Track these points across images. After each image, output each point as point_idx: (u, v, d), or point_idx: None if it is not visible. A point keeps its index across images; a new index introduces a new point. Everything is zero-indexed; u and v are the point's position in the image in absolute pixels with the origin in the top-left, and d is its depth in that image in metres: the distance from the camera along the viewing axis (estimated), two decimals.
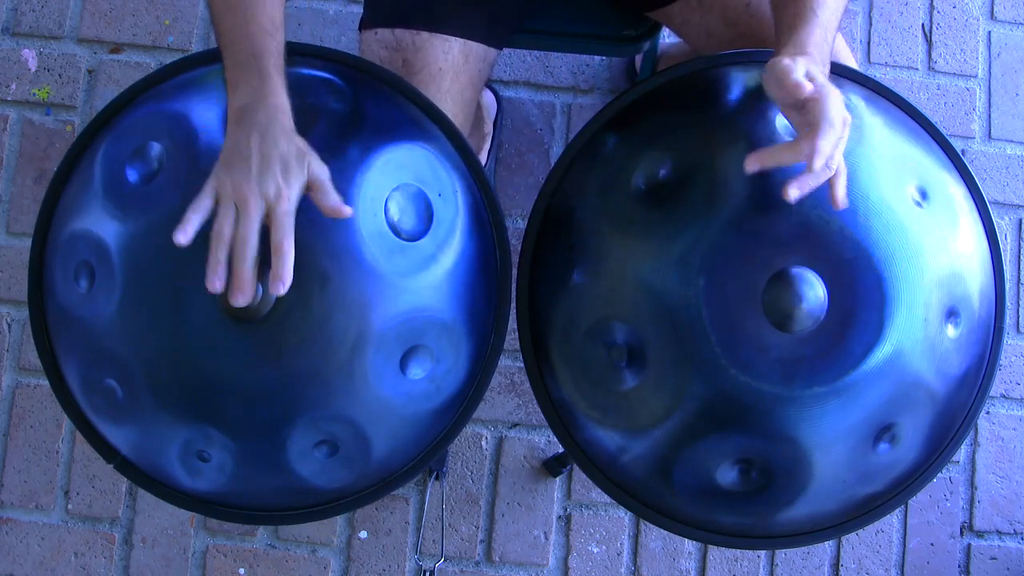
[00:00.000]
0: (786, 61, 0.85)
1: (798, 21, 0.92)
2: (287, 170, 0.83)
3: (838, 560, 1.66)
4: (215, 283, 0.80)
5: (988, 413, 1.72)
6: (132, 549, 1.65)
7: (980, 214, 1.01)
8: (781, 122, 0.94)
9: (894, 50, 1.84)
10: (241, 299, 0.80)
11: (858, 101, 0.98)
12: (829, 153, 0.83)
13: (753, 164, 0.85)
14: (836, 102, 0.84)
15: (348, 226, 0.87)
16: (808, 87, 0.83)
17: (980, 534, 1.68)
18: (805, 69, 0.85)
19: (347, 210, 0.84)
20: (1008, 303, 1.06)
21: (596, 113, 1.03)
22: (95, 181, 0.92)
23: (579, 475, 1.66)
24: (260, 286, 0.84)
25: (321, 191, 0.84)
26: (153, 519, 1.65)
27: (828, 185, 0.85)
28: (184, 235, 0.80)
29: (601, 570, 1.64)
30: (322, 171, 0.85)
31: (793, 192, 0.83)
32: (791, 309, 0.87)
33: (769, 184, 0.89)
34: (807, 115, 0.85)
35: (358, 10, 1.33)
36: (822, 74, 0.87)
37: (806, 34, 0.90)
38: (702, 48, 1.20)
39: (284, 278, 0.80)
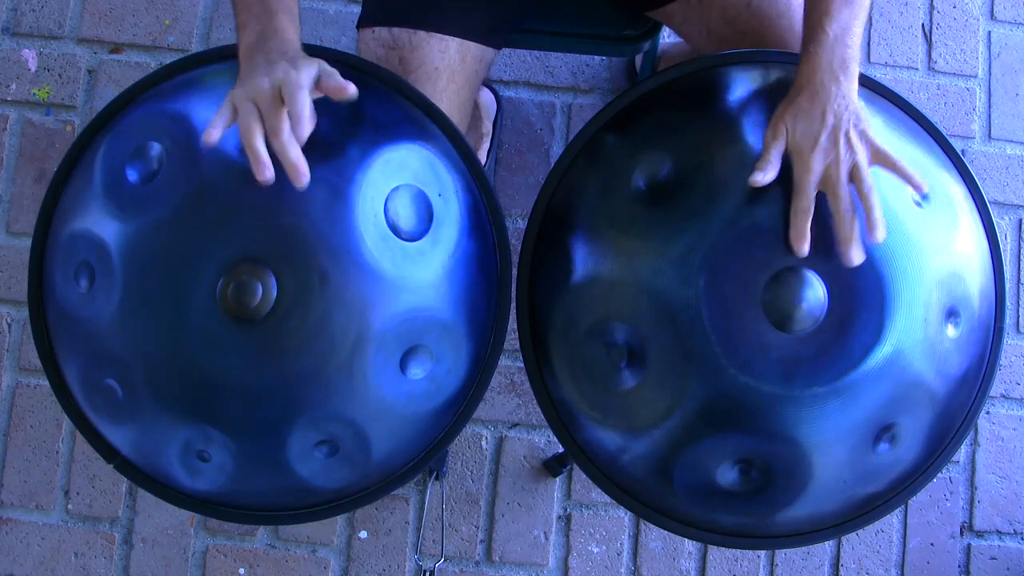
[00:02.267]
0: (766, 136, 0.89)
1: (807, 41, 0.92)
2: (294, 61, 0.87)
3: (838, 560, 1.66)
4: (265, 173, 0.83)
5: (988, 413, 1.72)
6: (132, 549, 1.65)
7: (980, 214, 1.01)
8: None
9: (894, 50, 1.84)
10: (303, 179, 0.83)
11: (858, 101, 0.98)
12: (805, 233, 0.86)
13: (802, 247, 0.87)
14: (807, 182, 0.87)
15: (348, 226, 0.87)
16: (763, 179, 0.87)
17: (980, 534, 1.68)
18: (782, 141, 0.88)
19: (352, 88, 0.86)
20: (1008, 303, 1.06)
21: (596, 113, 1.03)
22: (95, 181, 0.92)
23: (579, 475, 1.66)
24: (260, 286, 0.84)
25: (329, 76, 0.87)
26: (153, 519, 1.65)
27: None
28: (212, 134, 0.84)
29: (601, 570, 1.64)
30: (330, 67, 0.88)
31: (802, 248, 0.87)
32: (791, 309, 0.87)
33: (769, 184, 0.89)
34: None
35: (358, 10, 1.33)
36: (807, 129, 0.88)
37: (810, 55, 0.90)
38: (702, 48, 1.20)
39: (303, 136, 0.84)
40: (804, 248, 0.86)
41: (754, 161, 0.89)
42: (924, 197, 0.90)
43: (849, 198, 0.87)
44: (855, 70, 0.91)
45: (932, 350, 0.90)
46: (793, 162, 0.88)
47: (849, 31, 0.90)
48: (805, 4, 0.94)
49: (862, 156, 0.88)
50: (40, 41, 1.81)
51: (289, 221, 0.85)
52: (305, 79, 0.85)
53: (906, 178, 0.89)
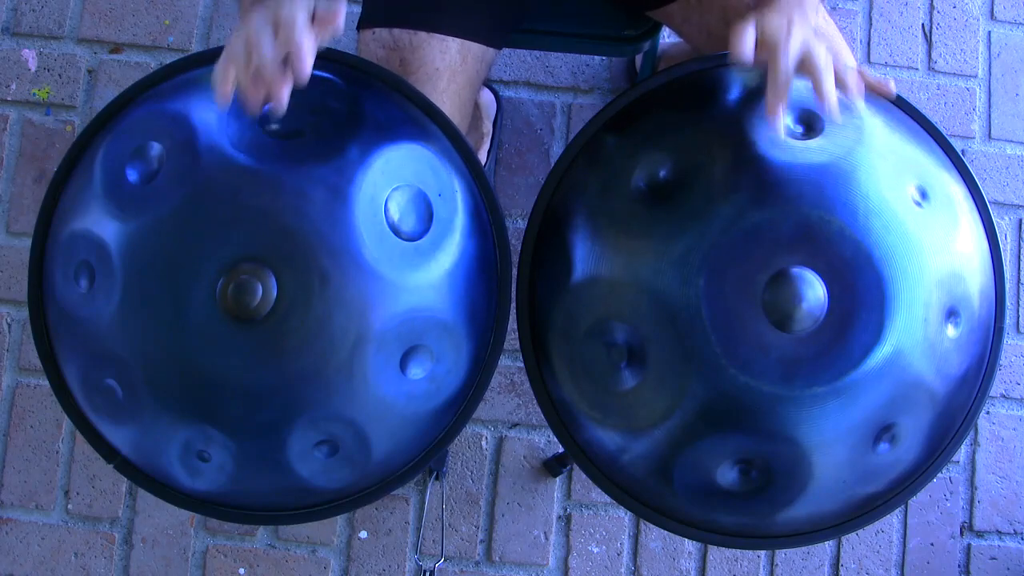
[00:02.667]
0: (737, 24, 0.89)
1: None
2: (292, 4, 0.85)
3: (838, 560, 1.66)
4: (221, 99, 0.84)
5: (988, 413, 1.72)
6: (132, 549, 1.65)
7: (980, 214, 1.01)
8: (782, 122, 0.94)
9: (894, 50, 1.84)
10: (285, 91, 0.83)
11: (858, 101, 0.98)
12: (779, 102, 0.87)
13: (774, 112, 0.87)
14: (785, 47, 0.87)
15: (348, 226, 0.87)
16: (745, 49, 0.87)
17: (980, 534, 1.68)
18: (751, 24, 0.88)
19: (339, 20, 0.85)
20: (1008, 303, 1.06)
21: (596, 113, 1.03)
22: (95, 181, 0.92)
23: (579, 475, 1.66)
24: (260, 286, 0.85)
25: (325, 6, 0.86)
26: (153, 519, 1.65)
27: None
28: (223, 93, 0.84)
29: (601, 570, 1.65)
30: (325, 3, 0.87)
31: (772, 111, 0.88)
32: (791, 309, 0.87)
33: (769, 184, 0.89)
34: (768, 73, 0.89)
35: (358, 10, 1.32)
36: (777, 21, 0.88)
37: None
38: (702, 48, 1.20)
39: (304, 64, 0.83)
40: (780, 117, 0.87)
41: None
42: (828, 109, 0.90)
43: (795, 55, 0.87)
44: (817, 2, 0.92)
45: (932, 350, 0.90)
46: (765, 49, 0.88)
47: None
48: None
49: (820, 41, 0.89)
50: (40, 41, 1.81)
51: (289, 221, 0.85)
52: (300, 7, 0.84)
53: (841, 82, 0.89)
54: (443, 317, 0.92)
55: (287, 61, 0.85)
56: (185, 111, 0.93)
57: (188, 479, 0.95)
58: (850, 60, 0.95)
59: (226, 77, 0.84)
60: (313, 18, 0.86)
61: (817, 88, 0.88)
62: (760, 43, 0.89)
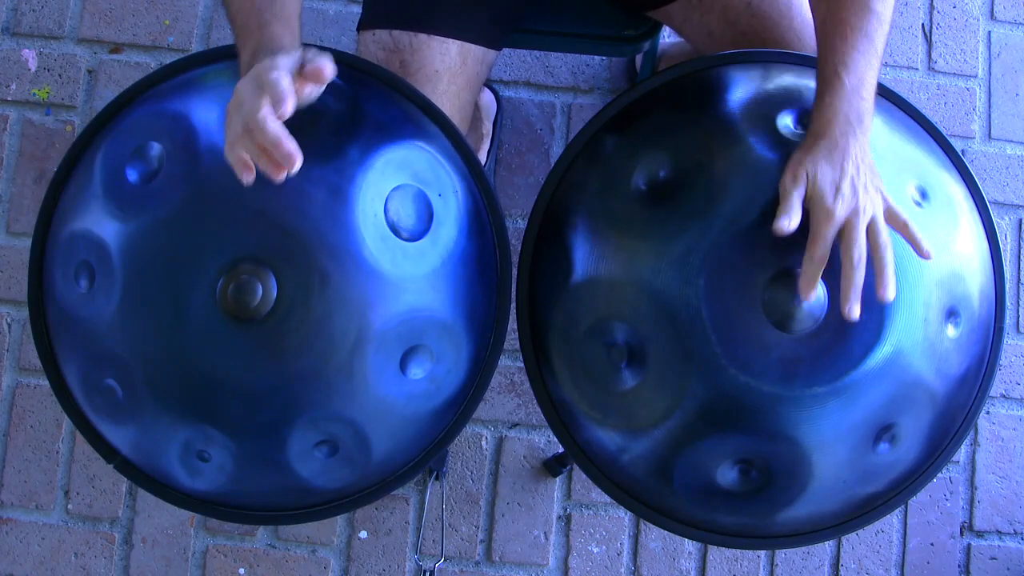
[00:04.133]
0: (786, 180, 0.86)
1: (821, 86, 0.90)
2: (275, 57, 0.82)
3: (838, 560, 1.66)
4: (244, 175, 0.80)
5: (988, 413, 1.72)
6: (132, 549, 1.65)
7: (980, 214, 1.01)
8: (782, 121, 0.94)
9: (894, 50, 1.84)
10: (291, 161, 0.78)
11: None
12: (814, 283, 0.84)
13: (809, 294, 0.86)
14: (821, 236, 0.85)
15: (348, 226, 0.87)
16: (788, 228, 0.84)
17: (980, 534, 1.68)
18: (802, 186, 0.86)
19: (328, 70, 0.81)
20: (1008, 303, 1.06)
21: (596, 113, 1.03)
22: (95, 181, 0.92)
23: (579, 475, 1.66)
24: (260, 286, 0.85)
25: (309, 61, 0.83)
26: (153, 519, 1.65)
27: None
28: (248, 176, 0.80)
29: (601, 570, 1.64)
30: (314, 53, 0.84)
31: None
32: (791, 309, 0.87)
33: (769, 184, 0.89)
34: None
35: (358, 10, 1.32)
36: (829, 181, 0.86)
37: (827, 105, 0.88)
38: (702, 48, 1.20)
39: (284, 111, 0.79)
40: (812, 296, 0.85)
41: (776, 209, 0.86)
42: (927, 258, 0.88)
43: (864, 250, 0.85)
44: (869, 123, 0.89)
45: (932, 350, 0.90)
46: (812, 210, 0.86)
47: (864, 82, 0.89)
48: (819, 50, 0.92)
49: (880, 210, 0.87)
50: (40, 41, 1.81)
51: (289, 221, 0.85)
52: (281, 62, 0.81)
53: (913, 241, 0.87)
54: (443, 317, 0.92)
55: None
56: (185, 111, 0.93)
57: (188, 479, 0.95)
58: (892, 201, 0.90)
59: (241, 160, 0.80)
60: (301, 70, 0.83)
61: (844, 280, 0.85)
62: (808, 198, 0.86)
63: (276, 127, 0.78)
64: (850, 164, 0.87)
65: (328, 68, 0.82)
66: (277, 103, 0.78)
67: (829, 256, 0.85)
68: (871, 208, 0.86)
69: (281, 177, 0.79)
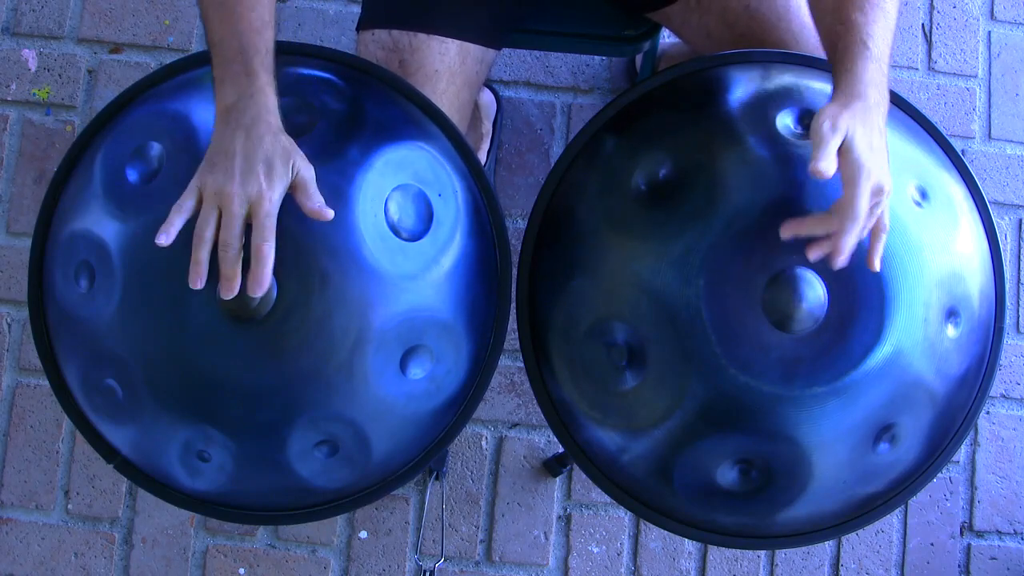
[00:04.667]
0: (824, 126, 0.84)
1: (849, 55, 0.89)
2: (271, 171, 0.82)
3: (838, 560, 1.66)
4: (196, 282, 0.81)
5: (988, 413, 1.72)
6: (132, 549, 1.65)
7: (980, 214, 1.01)
8: (782, 122, 0.94)
9: (894, 50, 1.84)
10: (229, 293, 0.81)
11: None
12: (852, 246, 0.83)
13: (787, 232, 0.85)
14: (864, 191, 0.83)
15: (348, 226, 0.87)
16: (830, 171, 0.82)
17: (980, 534, 1.68)
18: (841, 138, 0.83)
19: (329, 213, 0.83)
20: (1008, 303, 1.06)
21: (596, 113, 1.03)
22: (95, 181, 0.92)
23: (579, 475, 1.66)
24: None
25: (304, 192, 0.84)
26: (153, 519, 1.65)
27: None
28: (166, 237, 0.81)
29: (601, 570, 1.64)
30: (307, 171, 0.84)
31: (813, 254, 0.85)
32: (791, 309, 0.87)
33: (769, 185, 0.89)
34: (841, 193, 0.85)
35: (358, 10, 1.32)
36: (865, 141, 0.84)
37: (860, 70, 0.88)
38: (701, 50, 1.20)
39: (261, 282, 0.80)
40: (844, 263, 0.84)
41: (811, 153, 0.84)
42: (870, 268, 0.88)
43: (875, 220, 0.85)
44: (887, 102, 0.90)
45: (932, 350, 0.90)
46: (846, 166, 0.83)
47: (885, 56, 0.89)
48: (836, 28, 0.91)
49: (888, 196, 0.86)
50: (40, 41, 1.81)
51: (289, 221, 0.85)
52: (278, 195, 0.82)
53: (874, 248, 0.87)
54: (443, 317, 0.92)
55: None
56: (185, 111, 0.93)
57: (188, 479, 0.95)
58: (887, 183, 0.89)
59: (177, 221, 0.82)
60: (293, 187, 0.84)
61: (839, 233, 0.84)
62: (843, 151, 0.84)
63: (235, 266, 0.81)
64: (880, 134, 0.87)
65: (329, 214, 0.83)
66: (256, 261, 0.80)
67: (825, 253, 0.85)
68: (889, 186, 0.86)
69: (197, 287, 0.81)
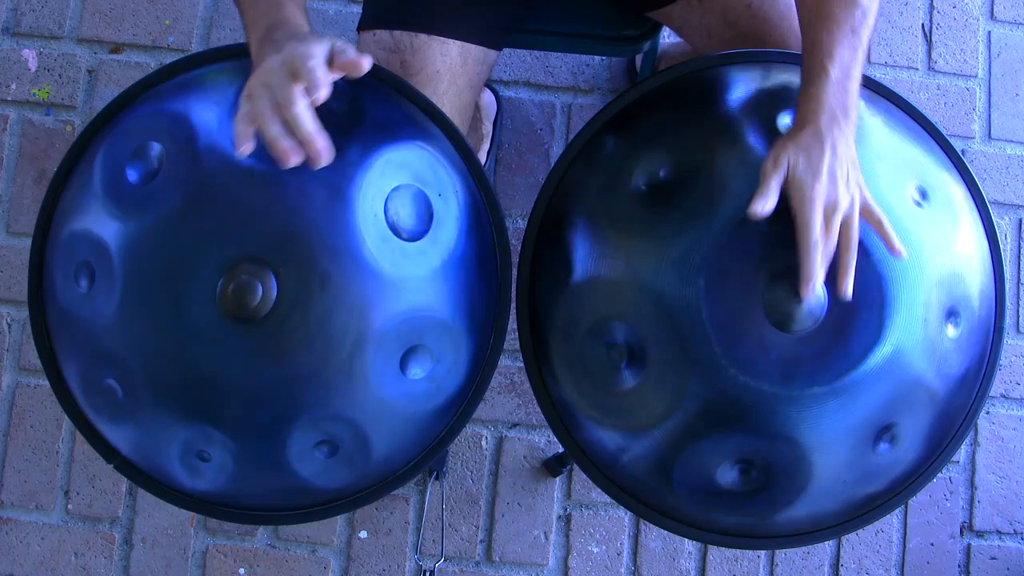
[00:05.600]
0: (766, 166, 0.87)
1: (808, 78, 0.90)
2: (306, 43, 0.83)
3: (838, 560, 1.66)
4: (288, 157, 0.79)
5: (988, 413, 1.72)
6: (132, 549, 1.65)
7: (980, 214, 1.01)
8: (782, 122, 0.94)
9: (894, 50, 1.84)
10: (320, 156, 0.79)
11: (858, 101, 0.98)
12: (815, 270, 0.84)
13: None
14: (810, 216, 0.84)
15: (348, 226, 0.87)
16: (766, 210, 0.85)
17: (980, 534, 1.68)
18: (783, 173, 0.86)
19: (366, 61, 0.82)
20: (1008, 303, 1.06)
21: (596, 113, 1.03)
22: (95, 181, 0.92)
23: (579, 475, 1.66)
24: (260, 286, 0.84)
25: (342, 51, 0.83)
26: (153, 519, 1.65)
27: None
28: (246, 145, 0.81)
29: (601, 570, 1.65)
30: (343, 44, 0.84)
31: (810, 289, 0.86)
32: (791, 309, 0.87)
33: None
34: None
35: (358, 10, 1.32)
36: (807, 162, 0.86)
37: (815, 94, 0.88)
38: (702, 49, 1.20)
39: (319, 100, 0.79)
40: (812, 293, 0.84)
41: (752, 193, 0.86)
42: (899, 256, 0.88)
43: (835, 239, 0.85)
44: (855, 117, 0.90)
45: (932, 350, 0.90)
46: (793, 196, 0.86)
47: (850, 76, 0.89)
48: (804, 43, 0.92)
49: (856, 207, 0.87)
50: (40, 41, 1.81)
51: (289, 221, 0.85)
52: (316, 50, 0.81)
53: (887, 239, 0.87)
54: (443, 317, 0.92)
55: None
56: (185, 111, 0.93)
57: (188, 479, 0.95)
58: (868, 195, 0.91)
59: (247, 135, 0.81)
60: (332, 60, 0.83)
61: (841, 262, 0.85)
62: (788, 183, 0.86)
63: (312, 122, 0.79)
64: (831, 155, 0.87)
65: (366, 62, 0.82)
66: (312, 88, 0.79)
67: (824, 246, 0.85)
68: (847, 202, 0.86)
69: (293, 163, 0.80)
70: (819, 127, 0.87)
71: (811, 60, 0.90)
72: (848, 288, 0.85)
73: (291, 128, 0.80)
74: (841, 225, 0.86)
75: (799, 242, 0.85)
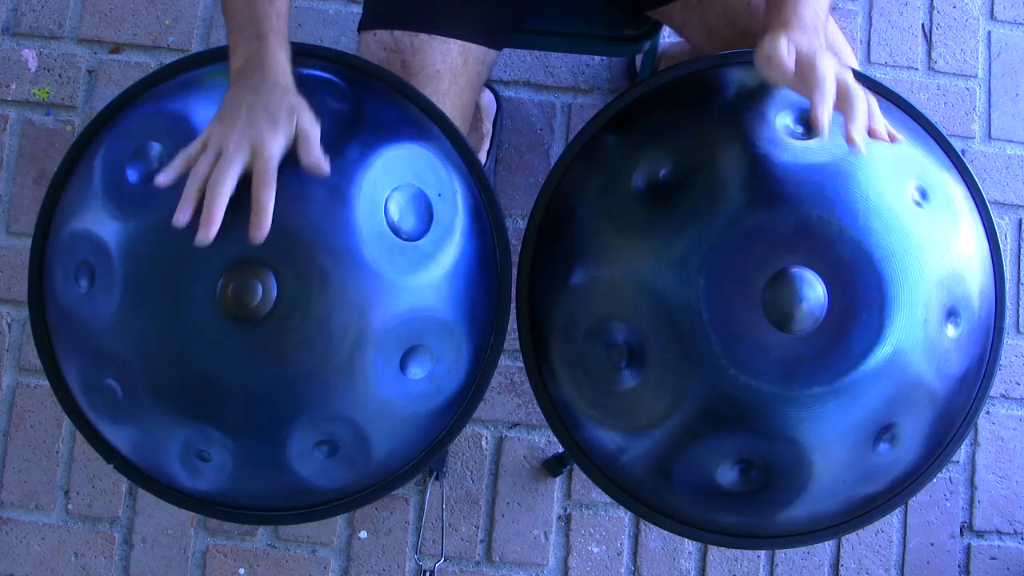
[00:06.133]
0: (767, 40, 0.89)
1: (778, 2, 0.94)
2: (274, 121, 0.84)
3: (838, 560, 1.66)
4: (180, 217, 0.82)
5: (988, 413, 1.72)
6: (132, 549, 1.65)
7: (980, 214, 1.01)
8: (781, 122, 0.94)
9: (894, 50, 1.84)
10: (205, 236, 0.81)
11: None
12: (829, 117, 0.85)
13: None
14: (824, 65, 0.86)
15: (348, 226, 0.87)
16: (789, 64, 0.87)
17: (980, 534, 1.68)
18: (786, 42, 0.89)
19: (326, 167, 0.85)
20: (1008, 303, 1.06)
21: (596, 113, 1.03)
22: (95, 181, 0.92)
23: (579, 475, 1.66)
24: (260, 286, 0.84)
25: (305, 145, 0.85)
26: (153, 519, 1.65)
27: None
28: (166, 176, 0.83)
29: (601, 570, 1.65)
30: (311, 126, 0.86)
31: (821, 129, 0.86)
32: (791, 309, 0.87)
33: (769, 184, 0.89)
34: (805, 87, 0.88)
35: (358, 10, 1.32)
36: (808, 42, 0.89)
37: (795, 4, 0.92)
38: (702, 47, 1.20)
39: (261, 227, 0.81)
40: (826, 127, 0.85)
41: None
42: (890, 139, 0.90)
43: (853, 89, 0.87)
44: (828, 28, 0.95)
45: (932, 350, 0.90)
46: (806, 71, 0.87)
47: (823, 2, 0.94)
48: None
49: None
50: (40, 41, 1.81)
51: (289, 221, 0.85)
52: (279, 146, 0.84)
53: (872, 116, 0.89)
54: (443, 317, 0.92)
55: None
56: (185, 111, 0.93)
57: (188, 479, 0.95)
58: (852, 61, 0.96)
59: (177, 163, 0.84)
60: (296, 140, 0.85)
61: (851, 124, 0.86)
62: (797, 61, 0.89)
63: (218, 211, 0.81)
64: (823, 39, 0.91)
65: (326, 168, 0.85)
66: (256, 205, 0.81)
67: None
68: (844, 67, 0.89)
69: (178, 223, 0.82)
70: (804, 22, 0.91)
71: None
72: (863, 137, 0.85)
73: (205, 196, 0.82)
74: (842, 83, 0.88)
75: (815, 90, 0.85)
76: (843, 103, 0.86)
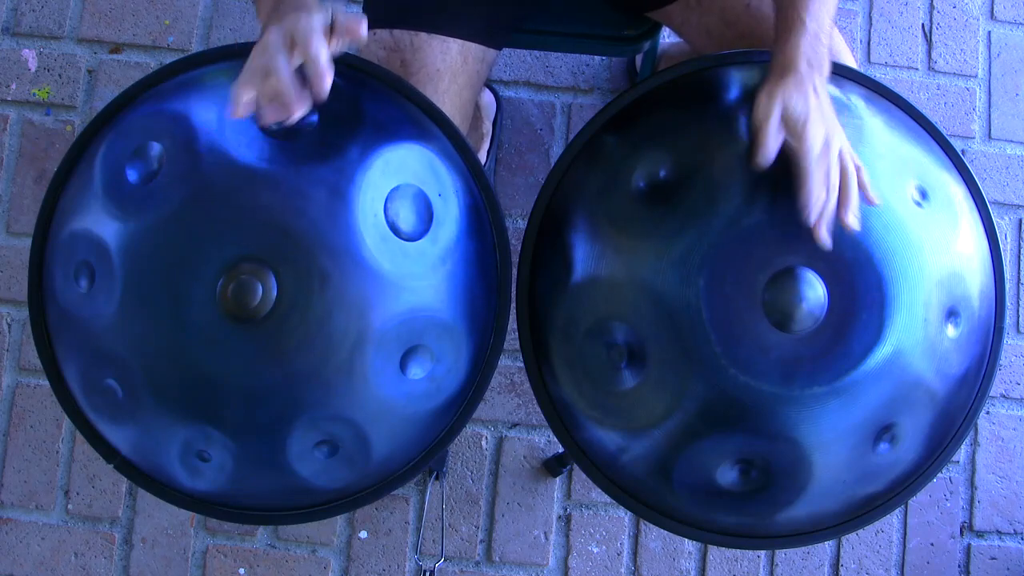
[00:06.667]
0: (761, 102, 0.89)
1: (785, 31, 0.93)
2: (309, 9, 0.86)
3: (838, 560, 1.66)
4: (236, 111, 0.84)
5: (988, 413, 1.72)
6: (132, 549, 1.65)
7: (980, 214, 1.01)
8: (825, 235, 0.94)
9: (894, 50, 1.84)
10: (321, 89, 0.83)
11: (858, 101, 0.98)
12: (817, 202, 0.86)
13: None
14: (814, 139, 0.86)
15: (348, 226, 0.87)
16: (772, 145, 0.87)
17: (980, 534, 1.68)
18: (776, 109, 0.88)
19: (363, 27, 0.86)
20: (1008, 303, 1.06)
21: (596, 113, 1.03)
22: (95, 181, 0.92)
23: (579, 475, 1.66)
24: (260, 286, 0.84)
25: (339, 20, 0.86)
26: (153, 519, 1.65)
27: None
28: (240, 110, 0.85)
29: (601, 570, 1.65)
30: (343, 13, 0.87)
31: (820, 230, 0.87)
32: (791, 309, 0.87)
33: (769, 183, 0.89)
34: (794, 157, 0.88)
35: (357, 11, 1.31)
36: (804, 102, 0.88)
37: (792, 47, 0.91)
38: (702, 48, 1.20)
39: (323, 78, 0.83)
40: (815, 216, 0.86)
41: (751, 146, 0.89)
42: (872, 203, 0.89)
43: (838, 174, 0.87)
44: (828, 69, 0.93)
45: (932, 350, 0.90)
46: (791, 130, 0.88)
47: (823, 28, 0.92)
48: (777, 1, 0.95)
49: (845, 140, 0.89)
50: (40, 41, 1.81)
51: (289, 221, 0.85)
52: (316, 23, 0.85)
53: (863, 186, 0.89)
54: (443, 317, 0.92)
55: (307, 73, 0.85)
56: (185, 111, 0.93)
57: (188, 479, 0.95)
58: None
59: (243, 96, 0.85)
60: (332, 27, 0.86)
61: (843, 211, 0.87)
62: (784, 121, 0.89)
63: (288, 87, 0.84)
64: (817, 98, 0.90)
65: (363, 27, 0.86)
66: (316, 79, 0.83)
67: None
68: (840, 133, 0.89)
69: (272, 120, 0.85)
70: (801, 74, 0.90)
71: (787, 12, 0.93)
72: (851, 219, 0.86)
73: (305, 57, 0.83)
74: (840, 155, 0.88)
75: (801, 168, 0.86)
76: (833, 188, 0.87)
